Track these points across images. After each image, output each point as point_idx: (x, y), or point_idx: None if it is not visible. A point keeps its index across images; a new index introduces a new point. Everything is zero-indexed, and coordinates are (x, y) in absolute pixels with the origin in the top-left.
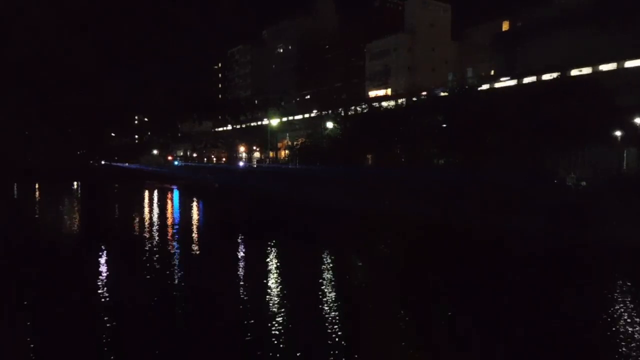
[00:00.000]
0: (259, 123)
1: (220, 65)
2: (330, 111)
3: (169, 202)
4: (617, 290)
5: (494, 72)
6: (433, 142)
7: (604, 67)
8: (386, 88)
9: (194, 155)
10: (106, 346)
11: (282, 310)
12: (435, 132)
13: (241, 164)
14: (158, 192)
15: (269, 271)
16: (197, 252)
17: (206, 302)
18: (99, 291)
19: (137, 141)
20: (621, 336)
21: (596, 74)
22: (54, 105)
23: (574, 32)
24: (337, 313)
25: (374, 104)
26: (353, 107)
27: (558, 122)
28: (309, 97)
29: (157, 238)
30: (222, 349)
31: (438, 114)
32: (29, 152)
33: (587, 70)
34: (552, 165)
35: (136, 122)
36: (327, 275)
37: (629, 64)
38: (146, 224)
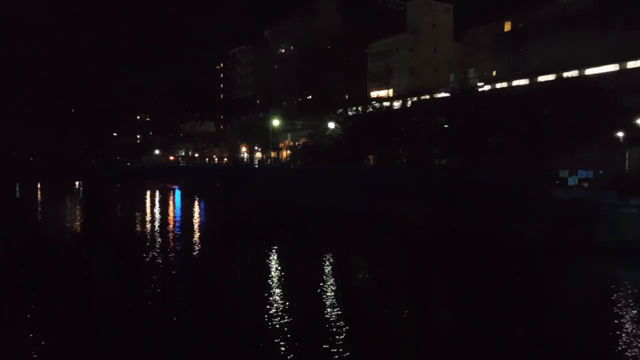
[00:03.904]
0: (261, 123)
1: (222, 65)
2: (331, 111)
3: (174, 201)
4: (616, 291)
5: (496, 73)
6: (434, 142)
7: (606, 68)
8: (388, 88)
9: (196, 155)
10: (108, 341)
11: (280, 299)
12: (436, 133)
13: (242, 164)
14: (162, 192)
15: (268, 264)
16: (200, 249)
17: (208, 296)
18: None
19: (138, 141)
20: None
21: (598, 74)
22: (54, 106)
23: (576, 32)
24: (333, 305)
25: (376, 104)
26: (354, 108)
27: (560, 122)
28: (310, 97)
29: (163, 234)
30: (222, 348)
31: (439, 115)
32: (30, 152)
33: (589, 71)
34: (553, 166)
35: (138, 121)
36: (321, 271)
37: (631, 64)
38: (153, 221)
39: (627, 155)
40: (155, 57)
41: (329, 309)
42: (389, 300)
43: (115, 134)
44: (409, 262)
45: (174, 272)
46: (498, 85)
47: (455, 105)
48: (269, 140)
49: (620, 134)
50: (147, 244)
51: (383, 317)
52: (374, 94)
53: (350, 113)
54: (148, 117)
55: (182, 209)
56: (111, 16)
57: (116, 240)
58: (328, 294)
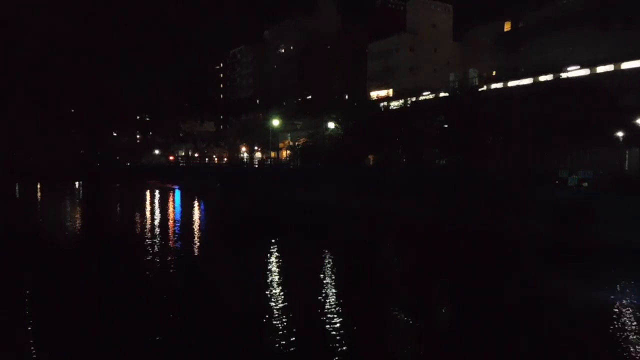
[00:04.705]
0: (261, 123)
1: (222, 65)
2: (331, 111)
3: (173, 201)
4: (612, 291)
5: (496, 73)
6: (434, 142)
7: (606, 68)
8: (387, 88)
9: (196, 155)
10: (110, 341)
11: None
12: (436, 133)
13: (242, 163)
14: (162, 192)
15: (268, 265)
16: (200, 249)
17: (209, 293)
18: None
19: (138, 141)
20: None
21: (598, 74)
22: (54, 106)
23: (576, 32)
24: (330, 304)
25: (376, 104)
26: (354, 107)
27: (560, 122)
28: (310, 97)
29: (163, 234)
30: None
31: (439, 115)
32: (30, 152)
33: (589, 71)
34: (553, 166)
35: (138, 121)
36: (320, 271)
37: (631, 64)
38: (153, 221)
39: (627, 155)
40: (155, 57)
41: (326, 308)
42: (385, 297)
43: (115, 134)
44: (407, 261)
45: (171, 270)
46: (498, 85)
47: (455, 105)
48: (268, 140)
49: (620, 134)
50: (147, 244)
51: (378, 315)
52: (373, 94)
53: (350, 113)
54: (148, 117)
55: (182, 209)
56: (111, 16)
57: (116, 240)
58: (326, 293)
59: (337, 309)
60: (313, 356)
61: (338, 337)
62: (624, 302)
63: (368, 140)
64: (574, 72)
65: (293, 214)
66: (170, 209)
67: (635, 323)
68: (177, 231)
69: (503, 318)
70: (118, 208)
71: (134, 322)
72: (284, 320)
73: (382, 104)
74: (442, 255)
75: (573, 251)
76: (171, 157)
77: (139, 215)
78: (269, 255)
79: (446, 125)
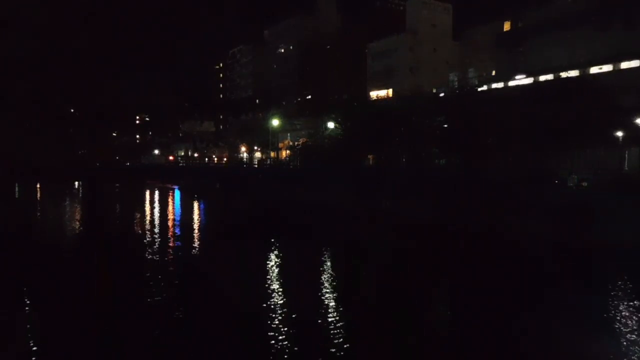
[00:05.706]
0: (260, 123)
1: (221, 65)
2: (331, 111)
3: (173, 202)
4: (609, 291)
5: (495, 73)
6: (434, 142)
7: (606, 68)
8: (387, 88)
9: (196, 155)
10: (111, 341)
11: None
12: (436, 133)
13: (242, 163)
14: (162, 192)
15: (267, 265)
16: (199, 248)
17: (210, 291)
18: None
19: (138, 141)
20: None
21: (598, 74)
22: (53, 106)
23: (576, 32)
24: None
25: (375, 104)
26: (354, 107)
27: (559, 122)
28: (310, 97)
29: (162, 234)
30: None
31: (439, 114)
32: (30, 152)
33: (588, 71)
34: (553, 166)
35: (137, 121)
36: (319, 271)
37: (631, 64)
38: (153, 221)
39: (626, 155)
40: (155, 57)
41: (325, 307)
42: (384, 297)
43: (115, 134)
44: (406, 261)
45: (170, 269)
46: (497, 85)
47: (454, 105)
48: (268, 140)
49: (619, 134)
50: (146, 244)
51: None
52: (373, 93)
53: (349, 113)
54: (148, 117)
55: (182, 209)
56: (111, 16)
57: (116, 240)
58: (325, 293)
59: (335, 308)
60: (313, 356)
61: (336, 336)
62: (623, 303)
63: (368, 140)
64: (574, 72)
65: (293, 214)
66: (170, 210)
67: (627, 318)
68: (176, 231)
69: (503, 318)
70: (117, 208)
71: (134, 321)
72: (282, 318)
73: (381, 104)
74: (442, 255)
75: (573, 251)
76: (171, 157)
77: (138, 215)
78: (268, 255)
79: (446, 125)
